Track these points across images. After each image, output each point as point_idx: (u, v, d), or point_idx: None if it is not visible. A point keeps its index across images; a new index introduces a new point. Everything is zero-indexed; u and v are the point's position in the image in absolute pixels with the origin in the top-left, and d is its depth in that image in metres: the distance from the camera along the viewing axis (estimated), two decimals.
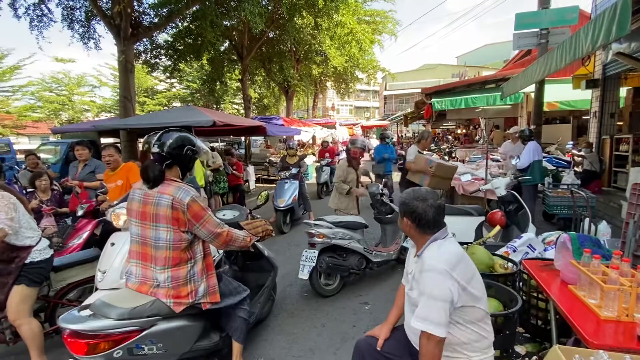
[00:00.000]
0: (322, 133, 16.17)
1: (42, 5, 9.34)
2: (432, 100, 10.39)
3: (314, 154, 13.61)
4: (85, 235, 3.75)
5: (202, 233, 2.01)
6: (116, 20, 8.19)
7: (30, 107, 26.20)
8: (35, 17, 9.33)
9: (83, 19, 10.25)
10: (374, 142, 18.72)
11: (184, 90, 26.59)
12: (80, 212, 3.85)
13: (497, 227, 3.78)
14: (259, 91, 25.34)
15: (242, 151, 12.65)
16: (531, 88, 7.30)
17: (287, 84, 18.86)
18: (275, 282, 3.44)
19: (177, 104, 27.17)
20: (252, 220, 2.74)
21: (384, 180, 5.46)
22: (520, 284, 2.68)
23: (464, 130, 20.13)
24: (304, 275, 3.62)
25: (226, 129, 8.76)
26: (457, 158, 11.83)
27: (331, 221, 3.86)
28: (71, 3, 9.88)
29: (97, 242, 4.19)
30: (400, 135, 26.06)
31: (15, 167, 9.78)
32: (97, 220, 3.86)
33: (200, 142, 2.16)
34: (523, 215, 3.89)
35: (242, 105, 28.33)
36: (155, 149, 1.98)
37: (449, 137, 20.45)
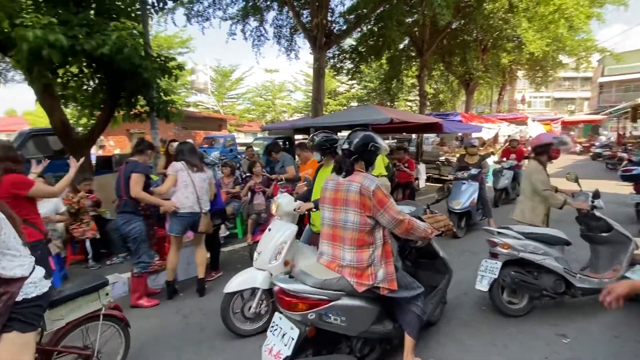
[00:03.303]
0: (508, 130, 14.18)
1: (261, 28, 11.70)
2: None
3: (493, 153, 12.11)
4: None
5: (385, 219, 2.18)
6: (313, 31, 9.42)
7: (247, 110, 33.48)
8: (256, 38, 11.80)
9: (288, 35, 12.29)
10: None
11: (361, 90, 28.29)
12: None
13: None
14: (435, 86, 24.39)
15: (414, 149, 12.51)
16: None
17: (469, 77, 17.42)
18: (448, 286, 3.27)
19: (354, 103, 29.24)
20: (434, 215, 2.73)
21: (595, 188, 4.32)
22: None
23: None
24: (483, 286, 3.29)
25: (401, 126, 8.85)
26: None
27: (520, 231, 3.35)
28: (280, 22, 11.99)
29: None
30: (621, 133, 20.09)
31: (238, 156, 12.66)
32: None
33: (381, 140, 2.39)
34: None
35: (416, 102, 28.00)
36: (345, 146, 2.33)
37: None
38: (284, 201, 3.27)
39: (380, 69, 20.40)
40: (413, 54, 15.28)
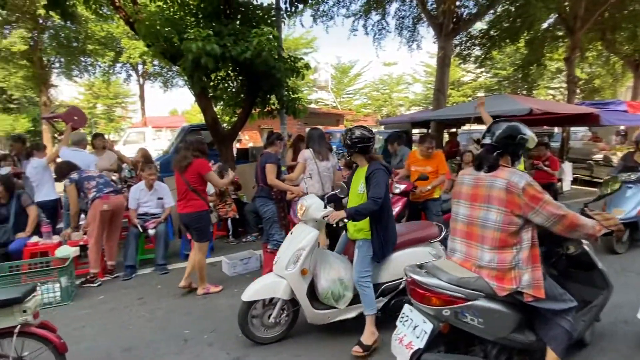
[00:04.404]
0: None
1: (382, 21, 11.60)
2: None
3: None
4: (397, 209, 4.40)
5: (542, 216, 1.95)
6: (439, 19, 8.87)
7: (363, 105, 33.82)
8: (377, 31, 11.76)
9: (410, 25, 11.88)
10: None
11: (490, 79, 25.52)
12: (396, 191, 4.54)
13: None
14: (589, 70, 20.28)
15: (557, 144, 10.66)
16: None
17: None
18: (605, 304, 2.71)
19: (480, 94, 26.56)
20: (602, 212, 2.33)
21: None
22: None
23: None
24: None
25: (542, 119, 7.64)
26: None
27: None
28: (402, 13, 11.66)
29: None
30: None
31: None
32: (406, 198, 4.47)
33: (529, 131, 2.12)
34: None
35: (561, 89, 23.78)
36: (486, 140, 2.14)
37: None
38: (312, 204, 2.95)
39: (515, 53, 18.00)
40: (560, 34, 12.98)
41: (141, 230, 4.55)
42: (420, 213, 4.69)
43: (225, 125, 7.90)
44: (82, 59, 17.10)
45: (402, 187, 4.52)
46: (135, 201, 4.71)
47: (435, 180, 4.45)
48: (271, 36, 5.20)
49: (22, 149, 5.89)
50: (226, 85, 6.99)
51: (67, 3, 5.85)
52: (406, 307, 2.24)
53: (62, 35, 15.02)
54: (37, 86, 16.38)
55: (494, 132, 2.11)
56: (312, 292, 2.91)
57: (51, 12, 6.00)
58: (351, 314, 2.96)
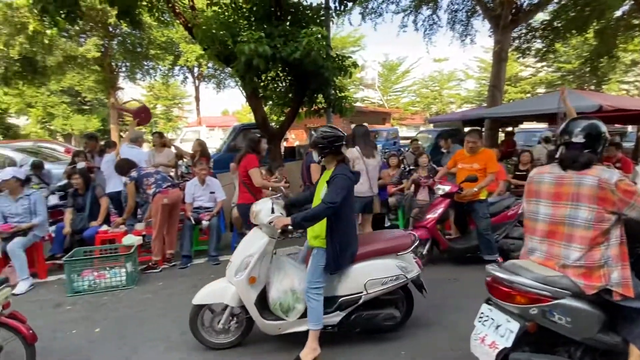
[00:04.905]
0: None
1: (434, 15, 11.21)
2: None
3: None
4: (439, 211, 4.32)
5: (638, 209, 1.90)
6: (497, 10, 8.40)
7: (411, 103, 32.97)
8: (427, 27, 11.40)
9: (463, 19, 11.36)
10: None
11: (552, 74, 23.65)
12: (439, 192, 4.38)
13: None
14: None
15: (631, 144, 9.64)
16: None
17: None
18: None
19: (541, 90, 24.71)
20: None
21: None
22: None
23: None
24: None
25: (613, 116, 6.95)
26: None
27: None
28: (455, 6, 11.19)
29: None
30: None
31: (401, 149, 12.67)
32: (450, 200, 4.32)
33: (605, 128, 2.07)
34: None
35: (636, 84, 21.42)
36: (577, 138, 2.05)
37: None
38: (261, 209, 2.75)
39: (582, 45, 16.50)
40: (636, 22, 11.67)
41: (194, 222, 4.84)
42: (467, 215, 4.50)
43: (273, 124, 8.14)
44: (145, 63, 18.54)
45: (447, 188, 4.34)
46: (191, 195, 5.02)
47: (483, 180, 4.19)
48: (320, 36, 5.26)
49: (95, 146, 6.51)
50: (275, 85, 7.19)
51: (135, 12, 6.36)
52: (484, 307, 2.20)
53: (129, 41, 16.45)
54: (107, 89, 18.10)
55: (575, 129, 2.05)
56: (265, 301, 2.75)
57: (121, 21, 6.54)
58: (303, 328, 2.72)
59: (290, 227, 2.47)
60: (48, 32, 6.07)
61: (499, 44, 8.68)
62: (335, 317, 2.77)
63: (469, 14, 11.13)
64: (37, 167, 6.35)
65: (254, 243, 2.73)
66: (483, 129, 9.08)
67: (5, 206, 4.14)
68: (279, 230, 2.51)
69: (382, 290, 2.78)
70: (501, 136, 10.56)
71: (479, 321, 2.19)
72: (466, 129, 10.82)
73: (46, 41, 13.20)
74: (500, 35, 8.63)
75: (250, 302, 2.67)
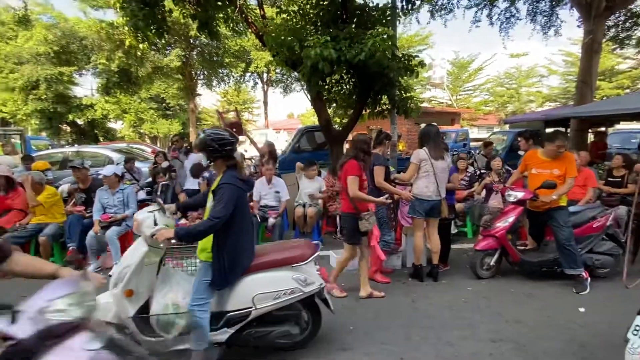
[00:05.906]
0: None
1: (511, 8, 10.38)
2: None
3: None
4: (510, 219, 3.96)
5: None
6: None
7: (483, 102, 30.83)
8: (504, 20, 10.60)
9: (546, 9, 10.36)
10: None
11: None
12: (510, 199, 3.98)
13: None
14: None
15: None
16: None
17: None
18: None
19: None
20: None
21: None
22: None
23: None
24: None
25: None
26: None
27: None
28: None
29: None
30: None
31: (471, 151, 11.93)
32: (522, 207, 3.95)
33: None
34: None
35: None
36: None
37: None
38: (144, 219, 2.47)
39: None
40: None
41: (260, 220, 5.09)
42: (544, 224, 4.02)
43: (336, 126, 8.23)
44: (220, 70, 20.09)
45: (519, 195, 3.90)
46: (258, 194, 5.29)
47: (562, 186, 3.69)
48: (386, 36, 5.19)
49: (181, 144, 7.53)
50: (340, 87, 7.26)
51: (213, 24, 6.92)
52: (639, 319, 2.01)
53: (206, 51, 17.98)
54: (187, 95, 20.01)
55: None
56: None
57: (200, 32, 7.17)
58: (184, 346, 2.46)
59: (174, 241, 2.36)
60: (140, 46, 6.90)
61: (590, 35, 7.71)
62: (223, 334, 2.51)
63: (553, 3, 10.10)
64: (129, 165, 7.22)
65: (131, 254, 2.51)
66: (568, 130, 8.16)
67: (105, 199, 4.76)
68: (161, 243, 2.38)
69: (274, 305, 2.52)
70: (590, 137, 9.38)
71: (635, 334, 2.00)
72: (547, 130, 9.84)
73: (139, 54, 15.02)
74: (592, 25, 7.66)
75: (126, 316, 2.43)
